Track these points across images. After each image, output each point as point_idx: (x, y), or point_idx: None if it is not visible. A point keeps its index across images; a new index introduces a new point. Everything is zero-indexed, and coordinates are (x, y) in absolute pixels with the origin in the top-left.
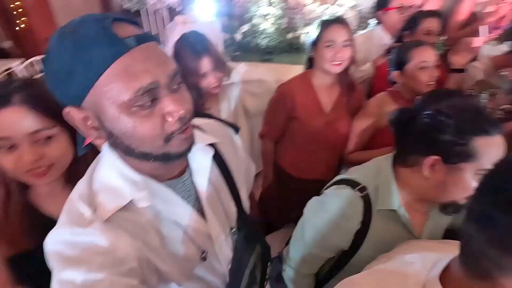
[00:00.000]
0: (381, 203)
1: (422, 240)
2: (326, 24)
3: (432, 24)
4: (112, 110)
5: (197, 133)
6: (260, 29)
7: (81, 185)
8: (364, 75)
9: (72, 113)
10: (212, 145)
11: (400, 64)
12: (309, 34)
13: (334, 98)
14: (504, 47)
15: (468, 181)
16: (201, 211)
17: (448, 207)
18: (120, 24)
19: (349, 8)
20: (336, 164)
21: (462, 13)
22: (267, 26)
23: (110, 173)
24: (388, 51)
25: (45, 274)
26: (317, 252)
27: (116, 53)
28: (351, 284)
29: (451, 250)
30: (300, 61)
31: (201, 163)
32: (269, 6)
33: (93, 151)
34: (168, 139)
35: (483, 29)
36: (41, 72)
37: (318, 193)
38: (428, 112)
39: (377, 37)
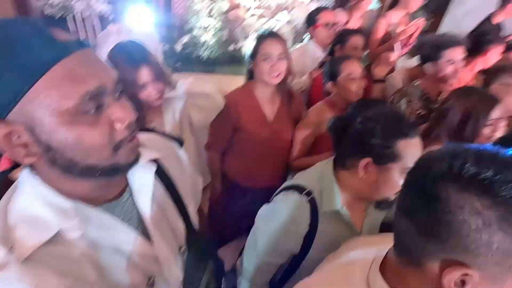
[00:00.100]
0: (326, 205)
1: (363, 237)
2: (261, 39)
3: (357, 41)
4: (52, 119)
5: None
6: (201, 41)
7: None
8: (302, 86)
9: None
10: (155, 160)
11: (333, 76)
12: (248, 47)
13: (276, 108)
14: (414, 61)
15: (396, 179)
16: (145, 233)
17: (382, 204)
18: (53, 28)
19: (286, 23)
20: (283, 171)
21: (379, 32)
22: (208, 38)
23: (31, 202)
24: (322, 64)
25: None
26: (271, 259)
27: (57, 56)
28: (304, 286)
29: (389, 242)
30: (242, 72)
31: (142, 181)
32: (209, 17)
33: (5, 179)
34: (117, 147)
35: (397, 46)
36: None
37: (268, 201)
38: (359, 119)
39: (311, 51)
